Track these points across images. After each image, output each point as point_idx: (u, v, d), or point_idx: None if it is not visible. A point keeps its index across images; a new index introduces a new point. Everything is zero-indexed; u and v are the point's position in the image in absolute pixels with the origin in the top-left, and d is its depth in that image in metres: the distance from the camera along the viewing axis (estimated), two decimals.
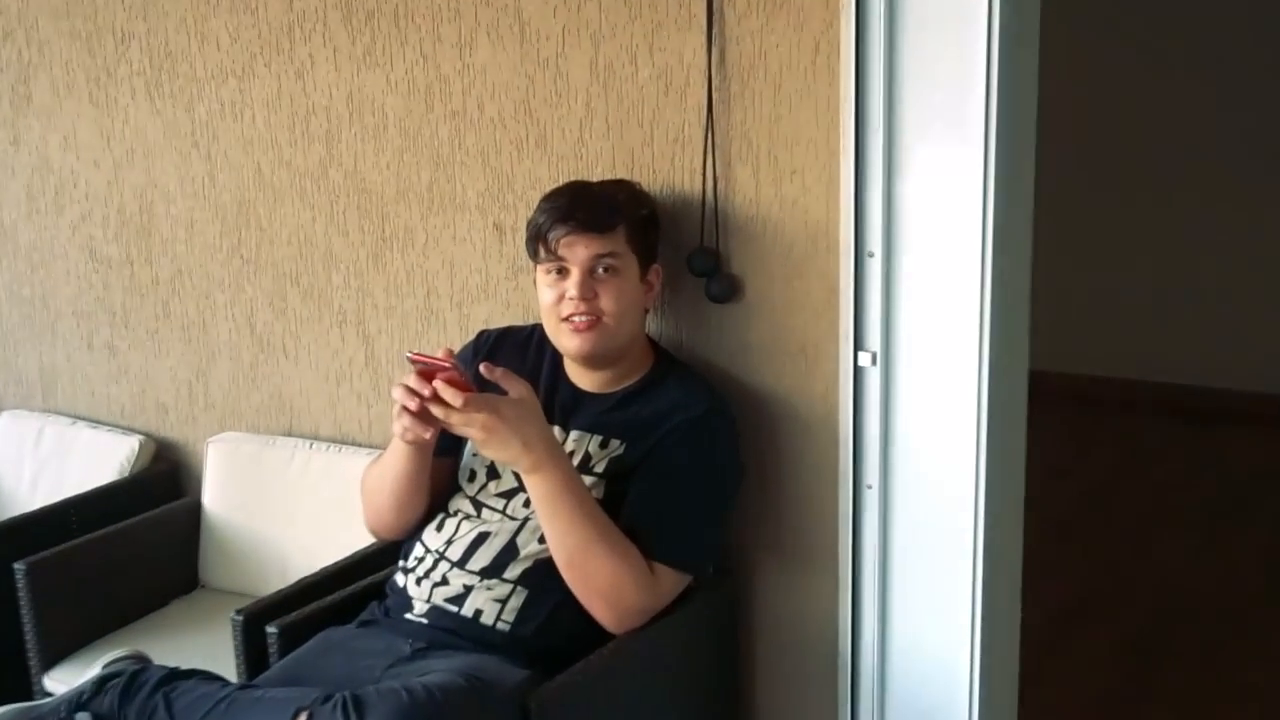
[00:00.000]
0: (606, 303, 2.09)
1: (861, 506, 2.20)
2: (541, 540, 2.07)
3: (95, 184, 3.05)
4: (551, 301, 2.12)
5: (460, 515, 2.18)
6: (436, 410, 1.95)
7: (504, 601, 2.08)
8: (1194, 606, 3.66)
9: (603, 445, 2.14)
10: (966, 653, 2.16)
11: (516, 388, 1.97)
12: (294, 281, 2.80)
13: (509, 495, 2.14)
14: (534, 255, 2.15)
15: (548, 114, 2.38)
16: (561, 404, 2.19)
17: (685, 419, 2.11)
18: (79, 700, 2.01)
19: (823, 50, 2.10)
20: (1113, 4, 5.09)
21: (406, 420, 1.99)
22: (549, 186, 2.24)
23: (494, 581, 2.09)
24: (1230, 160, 5.11)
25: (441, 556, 2.14)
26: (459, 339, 2.48)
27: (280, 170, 2.76)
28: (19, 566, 2.58)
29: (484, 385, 1.99)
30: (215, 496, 2.90)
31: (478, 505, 2.17)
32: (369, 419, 2.78)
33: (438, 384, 1.93)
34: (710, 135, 2.21)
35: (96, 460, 3.06)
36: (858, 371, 2.15)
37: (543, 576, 2.07)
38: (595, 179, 2.29)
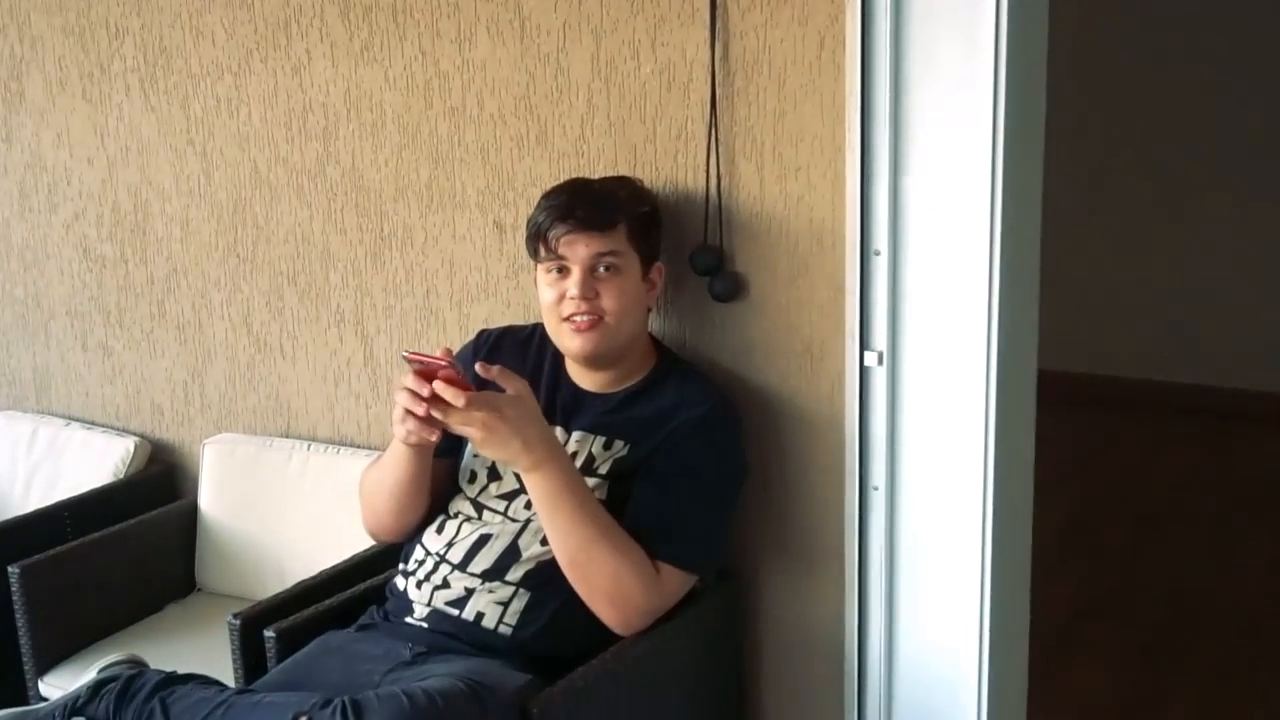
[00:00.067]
0: (608, 302, 2.07)
1: (868, 508, 2.18)
2: (544, 542, 2.05)
3: (89, 182, 3.03)
4: (552, 301, 2.10)
5: (461, 517, 2.15)
6: (435, 411, 1.92)
7: (506, 604, 2.06)
8: (1206, 609, 3.64)
9: (606, 446, 2.11)
10: (974, 656, 2.15)
11: (514, 385, 1.95)
12: (291, 281, 2.78)
13: (510, 497, 2.12)
14: (534, 254, 2.13)
15: (548, 110, 2.36)
16: (563, 404, 2.17)
17: (690, 417, 2.09)
18: (74, 705, 1.99)
19: (827, 45, 2.08)
20: (1120, 2, 5.09)
21: (411, 423, 1.96)
22: (550, 184, 2.22)
23: (496, 584, 2.07)
24: (1245, 158, 5.10)
25: (442, 559, 2.12)
26: (459, 339, 2.46)
27: (277, 168, 2.73)
28: (13, 570, 2.56)
29: (481, 384, 1.97)
30: (212, 499, 2.87)
31: (479, 507, 2.15)
32: (367, 420, 2.76)
33: (437, 385, 1.91)
34: (714, 131, 2.19)
35: (91, 462, 3.03)
36: (864, 371, 2.13)
37: (545, 579, 2.05)
38: (597, 176, 2.26)
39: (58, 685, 2.52)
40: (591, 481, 2.07)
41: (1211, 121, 5.12)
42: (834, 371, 2.18)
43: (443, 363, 1.90)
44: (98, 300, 3.10)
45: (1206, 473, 4.75)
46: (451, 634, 2.07)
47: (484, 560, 2.09)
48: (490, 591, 2.07)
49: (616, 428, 2.12)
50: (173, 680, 1.99)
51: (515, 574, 2.07)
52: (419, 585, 2.13)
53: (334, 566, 2.45)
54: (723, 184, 2.21)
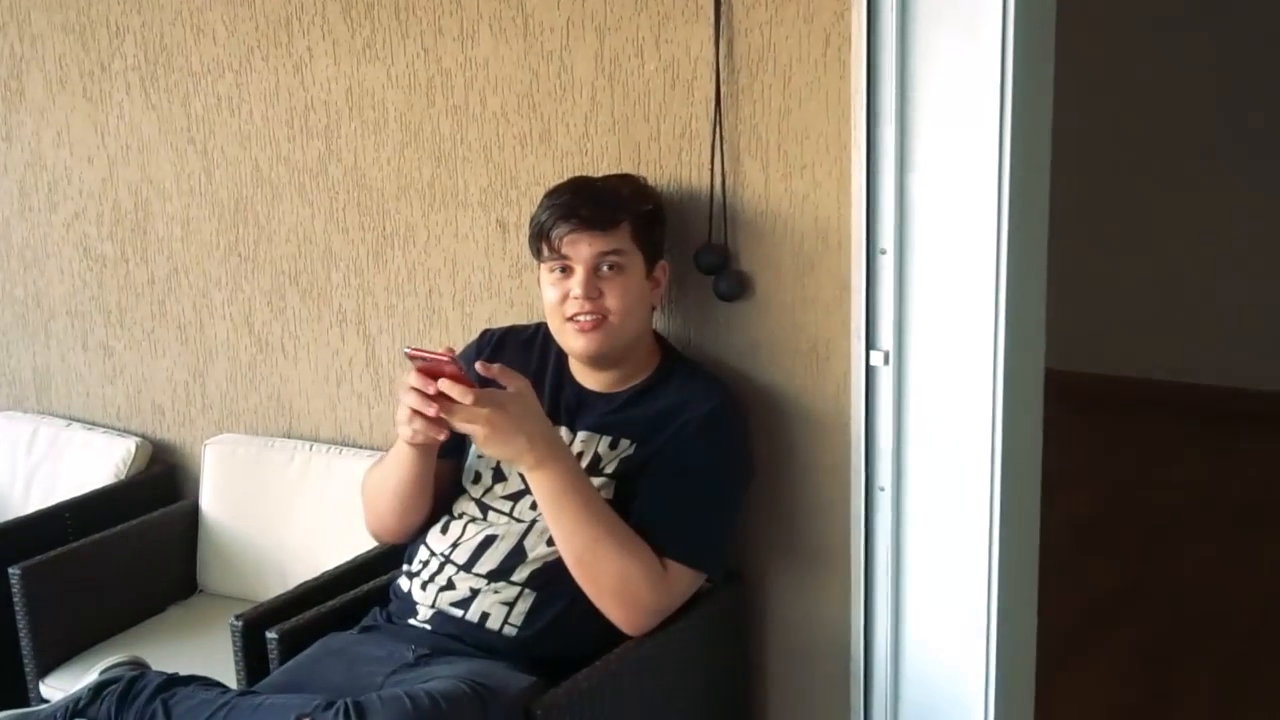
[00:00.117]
0: (612, 301, 2.06)
1: (874, 508, 2.17)
2: (549, 543, 2.04)
3: (89, 181, 3.02)
4: (556, 301, 2.09)
5: (466, 518, 2.14)
6: (431, 408, 1.91)
7: (511, 605, 2.05)
8: (1218, 612, 3.62)
9: (612, 446, 2.10)
10: (982, 660, 2.13)
11: (515, 383, 1.94)
12: (293, 280, 2.77)
13: (515, 498, 2.11)
14: (537, 254, 2.12)
15: (552, 108, 2.34)
16: (567, 404, 2.16)
17: (697, 415, 2.08)
18: (76, 706, 1.98)
19: (833, 42, 2.07)
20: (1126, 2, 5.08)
21: (419, 423, 1.94)
22: (553, 182, 2.20)
23: (501, 584, 2.06)
24: (1254, 158, 5.09)
25: (447, 560, 2.11)
26: (461, 338, 2.44)
27: (278, 166, 2.72)
28: (14, 571, 2.55)
29: (482, 383, 1.96)
30: (213, 499, 2.86)
31: (484, 508, 2.13)
32: (369, 420, 2.74)
33: (443, 383, 1.89)
34: (718, 130, 2.18)
35: (92, 462, 3.03)
36: (870, 371, 2.12)
37: (551, 579, 2.04)
38: (600, 174, 2.25)
39: (59, 687, 2.51)
40: (598, 481, 2.06)
41: (1222, 119, 5.11)
42: (840, 371, 2.16)
43: (445, 358, 1.89)
44: (98, 300, 3.09)
45: (1217, 474, 4.73)
46: (455, 636, 2.06)
47: (490, 561, 2.07)
48: (496, 592, 2.06)
49: (622, 427, 2.11)
50: (174, 682, 1.98)
51: (521, 574, 2.06)
52: (424, 586, 2.12)
53: (336, 568, 2.44)
54: (727, 182, 2.20)
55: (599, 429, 2.12)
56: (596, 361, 2.12)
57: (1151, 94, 5.18)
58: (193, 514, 2.89)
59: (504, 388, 1.93)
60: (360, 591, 2.32)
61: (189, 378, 3.00)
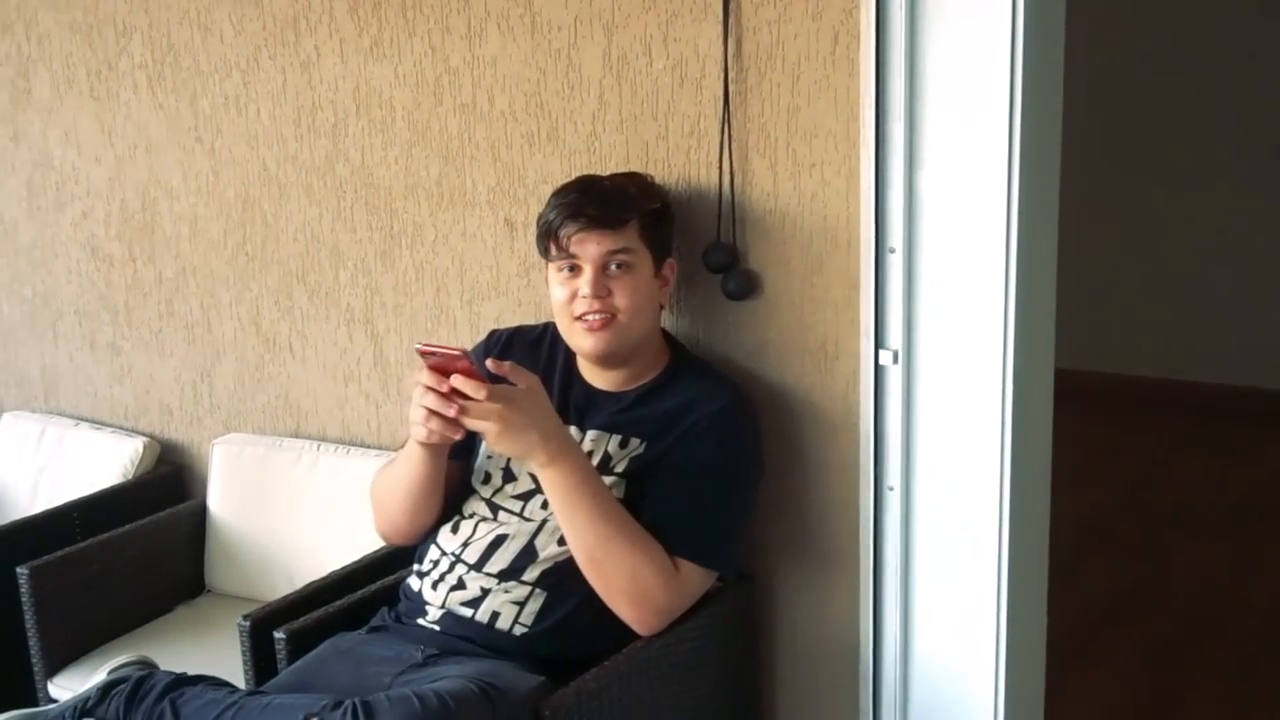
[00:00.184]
0: (620, 300, 2.06)
1: (883, 508, 2.16)
2: (560, 542, 2.04)
3: (97, 180, 3.02)
4: (564, 300, 2.08)
5: (476, 518, 2.14)
6: (451, 409, 1.90)
7: (522, 604, 2.04)
8: (1227, 613, 3.61)
9: (622, 445, 2.10)
10: (991, 660, 2.13)
11: (525, 380, 1.94)
12: (300, 279, 2.77)
13: (526, 497, 2.10)
14: (545, 253, 2.11)
15: (559, 106, 2.34)
16: (576, 404, 2.15)
17: (707, 413, 2.07)
18: (84, 706, 1.98)
19: (842, 40, 2.06)
20: (1131, 2, 5.07)
21: (436, 423, 1.93)
22: (561, 181, 2.20)
23: (512, 584, 2.05)
24: (1263, 156, 5.07)
25: (458, 559, 2.10)
26: (469, 337, 2.44)
27: (286, 165, 2.72)
28: (22, 571, 2.55)
29: (493, 381, 1.94)
30: (221, 499, 2.86)
31: (494, 508, 2.13)
32: (377, 420, 2.74)
33: (456, 379, 1.88)
34: (727, 128, 2.17)
35: (99, 462, 3.03)
36: (879, 370, 2.12)
37: (561, 579, 2.04)
38: (609, 173, 2.24)
39: (67, 687, 2.51)
40: (608, 480, 2.05)
41: (1229, 117, 5.09)
42: (849, 370, 2.16)
43: (455, 352, 1.87)
44: (106, 299, 3.09)
45: (1226, 473, 4.72)
46: (464, 636, 2.05)
47: (500, 560, 2.07)
48: (506, 592, 2.05)
49: (632, 426, 2.10)
50: (182, 682, 1.98)
51: (532, 574, 2.05)
52: (434, 586, 2.11)
53: (344, 567, 2.44)
54: (736, 181, 2.19)
55: (608, 428, 2.11)
56: (605, 360, 2.12)
57: (1158, 92, 5.17)
58: (200, 514, 2.89)
59: (515, 386, 1.93)
60: (368, 591, 2.32)
61: (196, 377, 3.00)
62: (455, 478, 2.18)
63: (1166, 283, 5.33)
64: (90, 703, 1.97)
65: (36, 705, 2.38)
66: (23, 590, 2.55)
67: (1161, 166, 5.22)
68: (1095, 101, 4.92)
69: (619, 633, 2.01)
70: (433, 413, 1.92)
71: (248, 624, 2.23)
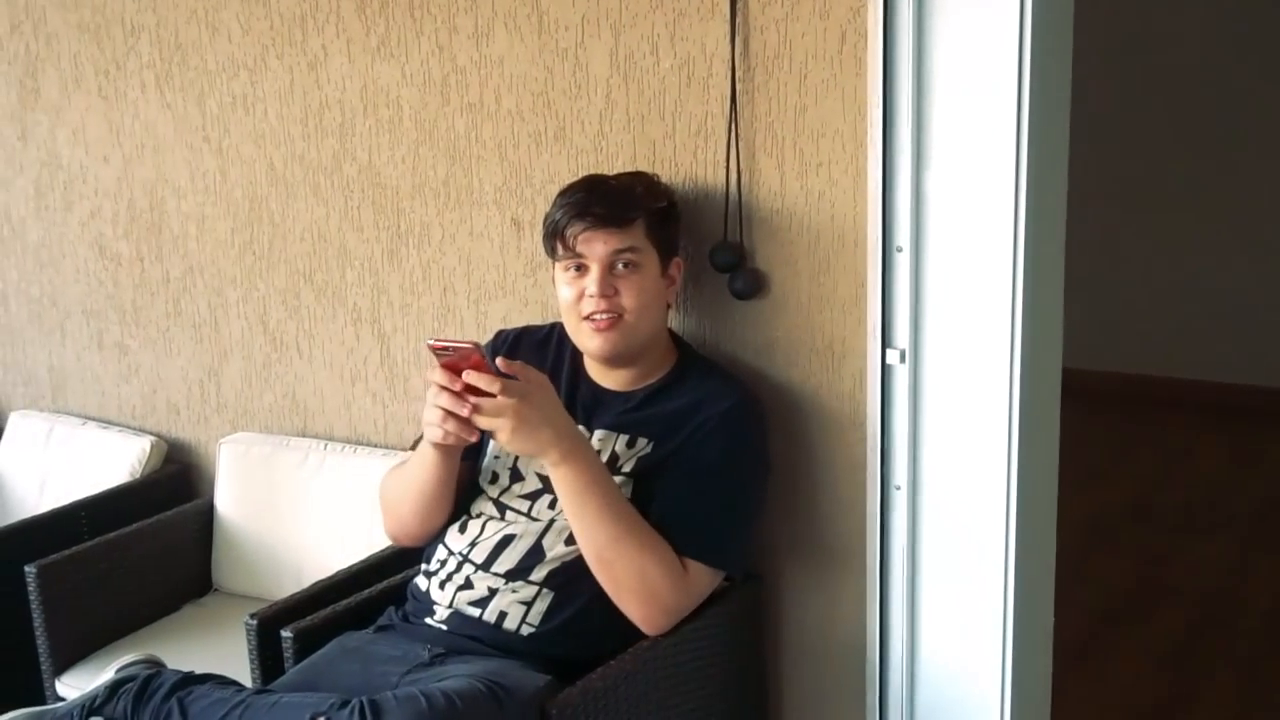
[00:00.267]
0: (627, 299, 2.05)
1: (889, 507, 2.16)
2: (567, 542, 2.04)
3: (104, 179, 3.02)
4: (571, 300, 2.08)
5: (484, 517, 2.14)
6: (465, 408, 1.89)
7: (529, 604, 2.04)
8: (1236, 613, 3.60)
9: (630, 444, 2.09)
10: (997, 658, 2.12)
11: (535, 378, 1.93)
12: (307, 279, 2.77)
13: (533, 497, 2.10)
14: (551, 253, 2.11)
15: (567, 106, 2.34)
16: (584, 403, 2.15)
17: (715, 413, 2.07)
18: (92, 705, 1.98)
19: (849, 39, 2.06)
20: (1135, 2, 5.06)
21: (452, 424, 1.92)
22: (568, 180, 2.20)
23: (519, 584, 2.05)
24: (1275, 153, 5.06)
25: (465, 559, 2.10)
26: (476, 337, 2.44)
27: (293, 165, 2.72)
28: (30, 569, 2.55)
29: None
30: (228, 498, 2.86)
31: (501, 508, 2.13)
32: (384, 419, 2.74)
33: (469, 375, 1.87)
34: (734, 127, 2.17)
35: (107, 461, 3.03)
36: (886, 369, 2.11)
37: (569, 579, 2.04)
38: (616, 172, 2.24)
39: (75, 685, 2.51)
40: (616, 480, 2.05)
41: (1239, 114, 5.08)
42: (856, 369, 2.15)
43: (468, 346, 1.86)
44: (113, 299, 3.09)
45: (1235, 473, 4.71)
46: (471, 636, 2.05)
47: (508, 560, 2.07)
48: (514, 591, 2.05)
49: (640, 425, 2.10)
50: (190, 680, 1.98)
51: (539, 574, 2.05)
52: (442, 586, 2.11)
53: (351, 566, 2.44)
54: (743, 180, 2.19)
55: (616, 428, 2.11)
56: (612, 360, 2.11)
57: (1165, 90, 5.16)
58: (208, 513, 2.89)
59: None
60: (375, 590, 2.32)
61: (204, 376, 3.00)
62: (464, 479, 2.17)
63: (1174, 281, 5.32)
64: (98, 701, 1.97)
65: (44, 703, 2.38)
66: (30, 589, 2.55)
67: (1173, 162, 5.21)
68: (1102, 97, 4.91)
69: (626, 632, 2.01)
70: (448, 414, 1.91)
71: (255, 623, 2.23)
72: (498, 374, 1.88)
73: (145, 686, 1.96)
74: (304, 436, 2.85)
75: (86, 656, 2.60)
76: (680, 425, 2.07)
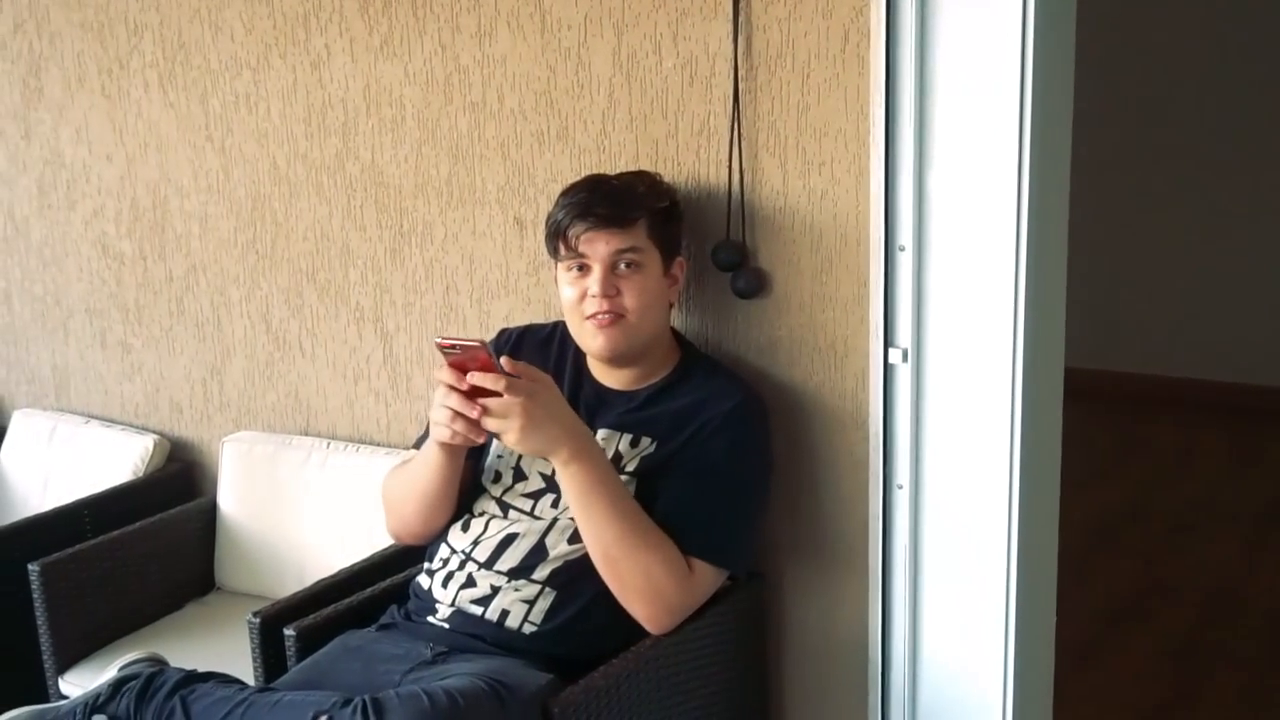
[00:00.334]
0: (630, 299, 2.05)
1: (892, 506, 2.16)
2: (570, 541, 2.04)
3: (108, 178, 3.03)
4: (573, 300, 2.08)
5: (487, 516, 2.14)
6: (474, 410, 1.89)
7: (532, 603, 2.04)
8: (1237, 613, 3.59)
9: (633, 444, 2.09)
10: (999, 657, 2.12)
11: (540, 377, 1.93)
12: (310, 278, 2.77)
13: (536, 496, 2.10)
14: (554, 253, 2.11)
15: (569, 105, 2.34)
16: (587, 403, 2.15)
17: (719, 412, 2.07)
18: (95, 703, 1.98)
19: (852, 39, 2.06)
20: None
21: (461, 424, 1.92)
22: (571, 179, 2.20)
23: (522, 582, 2.05)
24: (1274, 155, 5.06)
25: (468, 557, 2.11)
26: (479, 336, 2.43)
27: (296, 164, 2.72)
28: (33, 568, 2.55)
29: None
30: (231, 497, 2.86)
31: (504, 506, 2.13)
32: (387, 418, 2.74)
33: (473, 376, 1.87)
34: (736, 126, 2.17)
35: (110, 460, 3.03)
36: (888, 368, 2.11)
37: (572, 578, 2.04)
38: (618, 171, 2.24)
39: (78, 683, 2.52)
40: None
41: (1243, 114, 5.08)
42: (858, 369, 2.15)
43: (476, 345, 1.85)
44: (116, 297, 3.10)
45: (1236, 473, 4.70)
46: (474, 634, 2.05)
47: (511, 558, 2.07)
48: (516, 590, 2.05)
49: (643, 425, 2.10)
50: (193, 679, 1.98)
51: (542, 572, 2.05)
52: (444, 584, 2.11)
53: (353, 565, 2.44)
54: (745, 179, 2.19)
55: (619, 427, 2.11)
56: (615, 360, 2.11)
57: (1166, 90, 5.15)
58: (210, 511, 2.89)
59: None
60: (378, 589, 2.32)
61: (207, 375, 3.00)
62: (467, 478, 2.17)
63: (1177, 280, 5.32)
64: (101, 699, 1.97)
65: (47, 702, 2.38)
66: (34, 587, 2.55)
67: (1175, 163, 5.21)
68: (1105, 97, 4.91)
69: (628, 631, 2.01)
70: (457, 414, 1.91)
71: (258, 621, 2.23)
72: (504, 373, 1.88)
73: (148, 685, 1.96)
74: (306, 435, 2.85)
75: (89, 655, 2.60)
76: (684, 424, 2.07)
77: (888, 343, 2.10)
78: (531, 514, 2.10)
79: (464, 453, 2.07)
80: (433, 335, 2.61)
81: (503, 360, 1.91)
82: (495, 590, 2.06)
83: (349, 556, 2.50)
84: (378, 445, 2.74)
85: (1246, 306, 5.20)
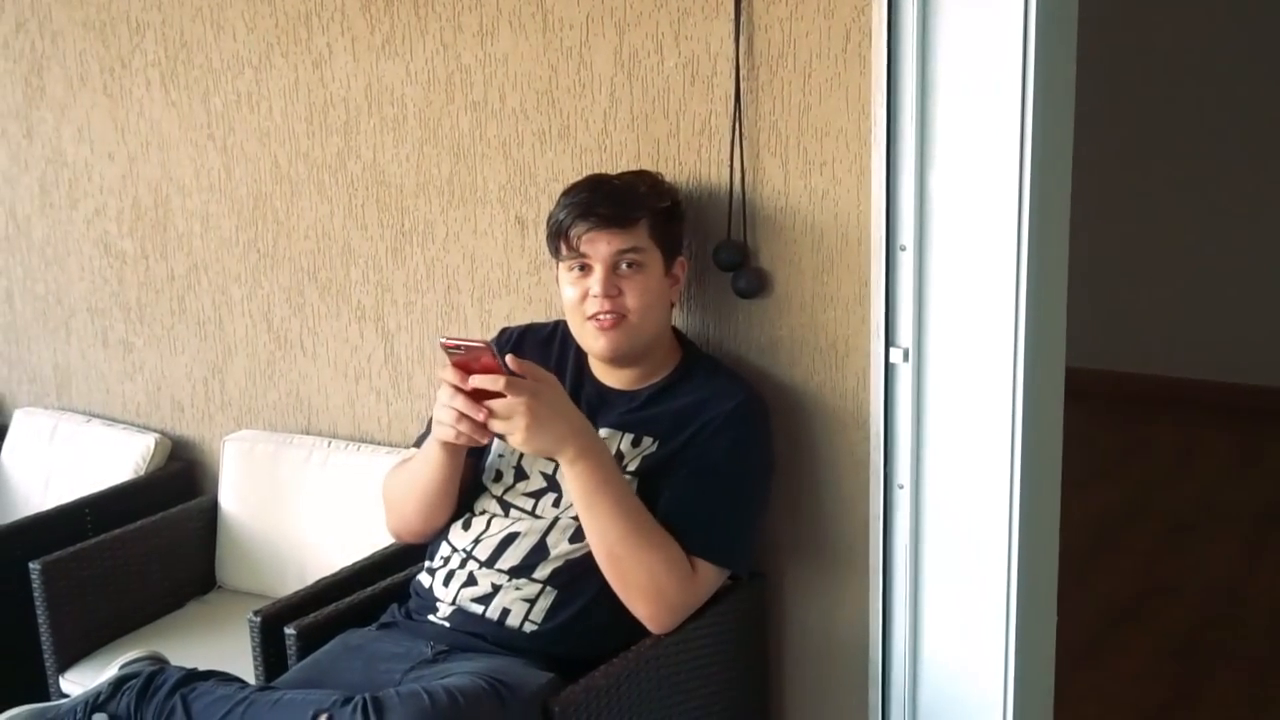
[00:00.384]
0: (631, 299, 2.06)
1: (892, 506, 2.16)
2: (571, 540, 2.04)
3: (109, 177, 3.03)
4: (575, 300, 2.08)
5: (488, 515, 2.14)
6: (480, 412, 1.89)
7: (533, 601, 2.04)
8: (1239, 613, 3.60)
9: (635, 443, 2.09)
10: (1000, 657, 2.12)
11: (544, 376, 1.93)
12: (312, 277, 2.77)
13: (537, 495, 2.11)
14: (555, 253, 2.11)
15: (571, 104, 2.34)
16: (588, 402, 2.15)
17: (720, 412, 2.07)
18: (96, 701, 1.98)
19: (853, 38, 2.06)
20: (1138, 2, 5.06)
21: (465, 425, 1.92)
22: (572, 179, 2.20)
23: (523, 581, 2.06)
24: (1275, 155, 5.05)
25: (469, 556, 2.11)
26: (480, 335, 2.44)
27: (298, 163, 2.72)
28: (34, 566, 2.55)
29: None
30: (232, 495, 2.87)
31: (505, 505, 2.13)
32: (388, 417, 2.74)
33: (475, 379, 1.87)
34: (738, 126, 2.17)
35: (111, 458, 3.03)
36: (889, 368, 2.11)
37: (573, 577, 2.04)
38: (620, 171, 2.24)
39: (79, 682, 2.52)
40: None
41: (1245, 113, 5.08)
42: (859, 368, 2.15)
43: (480, 345, 1.86)
44: (118, 296, 3.10)
45: (1237, 473, 4.70)
46: (475, 633, 2.05)
47: (512, 557, 2.07)
48: (517, 589, 2.05)
49: (644, 424, 2.10)
50: (194, 677, 1.98)
51: (543, 571, 2.05)
52: (445, 582, 2.11)
53: (354, 564, 2.44)
54: (746, 179, 2.19)
55: (621, 426, 2.11)
56: (617, 359, 2.11)
57: (1167, 90, 5.15)
58: (211, 510, 2.89)
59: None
60: (378, 588, 2.32)
61: (208, 374, 3.00)
62: (467, 476, 2.17)
63: (1177, 280, 5.31)
64: (101, 698, 1.97)
65: (48, 700, 2.38)
66: (35, 585, 2.55)
67: (1176, 163, 5.21)
68: (1107, 97, 4.91)
69: (629, 630, 2.01)
70: (462, 415, 1.91)
71: (258, 620, 2.23)
72: (509, 373, 1.88)
73: (149, 683, 1.96)
74: (308, 434, 2.85)
75: (90, 653, 2.60)
76: (685, 424, 2.08)
77: (889, 342, 2.10)
78: (533, 513, 2.10)
79: (465, 451, 2.07)
80: (435, 335, 2.61)
81: (508, 359, 1.91)
82: (496, 589, 2.06)
83: (350, 555, 2.50)
84: (379, 444, 2.74)
85: (1246, 306, 5.20)
